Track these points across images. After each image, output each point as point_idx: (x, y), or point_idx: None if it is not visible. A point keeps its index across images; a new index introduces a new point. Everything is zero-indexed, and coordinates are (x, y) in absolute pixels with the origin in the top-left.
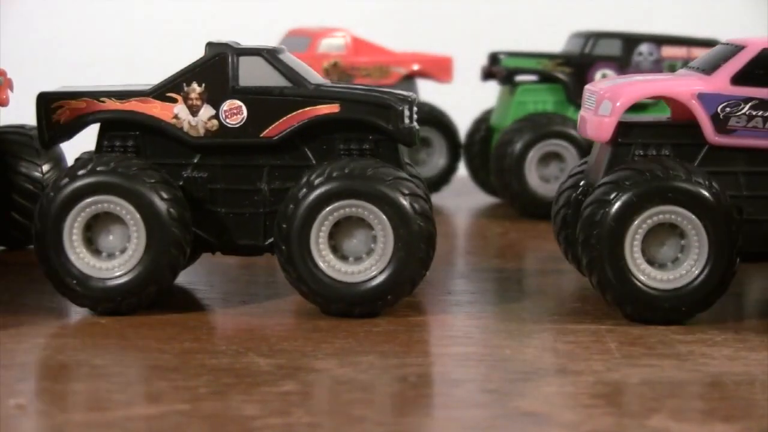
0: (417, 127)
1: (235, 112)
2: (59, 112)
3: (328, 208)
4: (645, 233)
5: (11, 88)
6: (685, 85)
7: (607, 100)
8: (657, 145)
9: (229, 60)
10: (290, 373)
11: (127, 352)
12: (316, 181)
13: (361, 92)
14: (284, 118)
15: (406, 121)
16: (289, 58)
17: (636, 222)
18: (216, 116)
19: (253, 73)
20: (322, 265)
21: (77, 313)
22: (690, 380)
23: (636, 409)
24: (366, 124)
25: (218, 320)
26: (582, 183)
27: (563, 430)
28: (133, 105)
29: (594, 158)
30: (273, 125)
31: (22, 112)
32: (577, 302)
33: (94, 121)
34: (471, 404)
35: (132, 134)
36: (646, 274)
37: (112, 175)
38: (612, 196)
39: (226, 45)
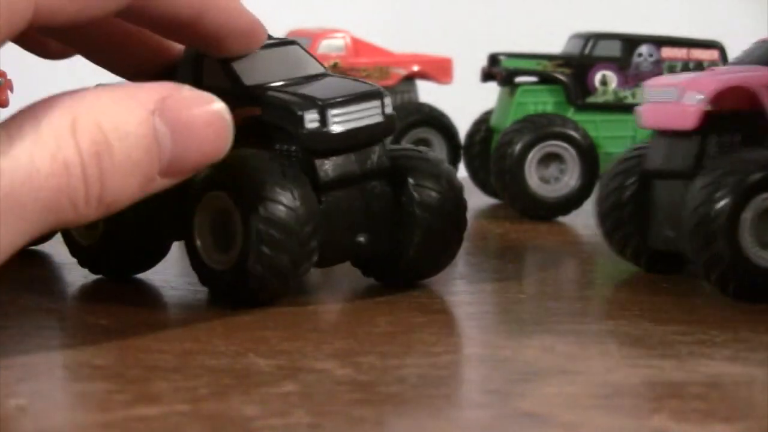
0: (333, 130)
1: None
2: None
3: (202, 200)
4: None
5: (11, 90)
6: (758, 77)
7: (692, 91)
8: (731, 132)
9: (196, 61)
10: (290, 373)
11: (128, 353)
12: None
13: (281, 95)
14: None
15: (309, 125)
16: (250, 57)
17: (751, 203)
18: None
19: (212, 73)
20: (199, 250)
21: (78, 314)
22: (690, 381)
23: (636, 409)
24: (281, 128)
25: (218, 321)
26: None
27: (563, 431)
28: None
29: (656, 148)
30: None
31: None
32: (577, 303)
33: None
34: (471, 405)
35: None
36: (755, 254)
37: None
38: (730, 180)
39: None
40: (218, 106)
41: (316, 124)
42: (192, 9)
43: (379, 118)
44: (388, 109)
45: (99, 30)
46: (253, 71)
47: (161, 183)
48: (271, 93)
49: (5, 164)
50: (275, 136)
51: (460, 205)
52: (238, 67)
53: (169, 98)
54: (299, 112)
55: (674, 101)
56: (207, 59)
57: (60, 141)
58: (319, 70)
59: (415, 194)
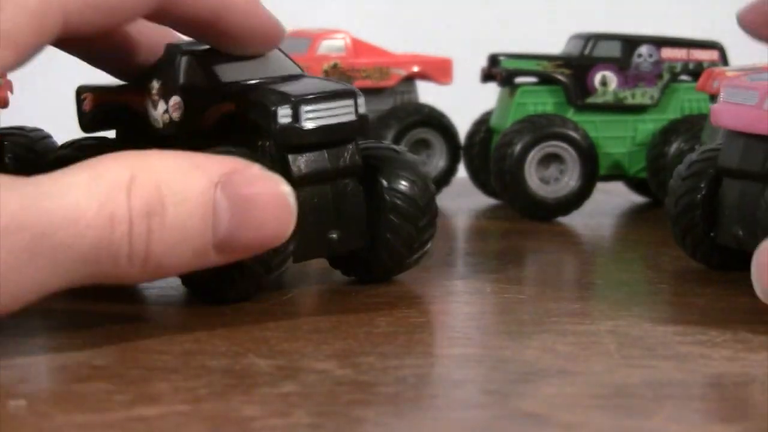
0: (305, 126)
1: (176, 108)
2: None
3: None
4: None
5: (11, 90)
6: None
7: None
8: None
9: (176, 59)
10: (290, 374)
11: (128, 353)
12: None
13: (255, 92)
14: (204, 114)
15: (282, 120)
16: (227, 56)
17: None
18: (166, 111)
19: (192, 72)
20: None
21: (77, 314)
22: (689, 381)
23: (636, 410)
24: (255, 122)
25: (218, 321)
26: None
27: (563, 431)
28: (124, 97)
29: (731, 147)
30: (198, 121)
31: (21, 114)
32: (577, 303)
33: (102, 110)
34: (471, 405)
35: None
36: None
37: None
38: None
39: (176, 46)
40: (284, 188)
41: (288, 120)
42: (211, 10)
43: (351, 117)
44: (362, 109)
45: (105, 36)
46: (230, 70)
47: (215, 259)
48: (245, 89)
49: (49, 205)
50: (250, 132)
51: (429, 194)
52: (216, 65)
53: (235, 173)
54: (272, 108)
55: (755, 105)
56: (185, 57)
57: (112, 194)
58: (296, 71)
59: (386, 197)
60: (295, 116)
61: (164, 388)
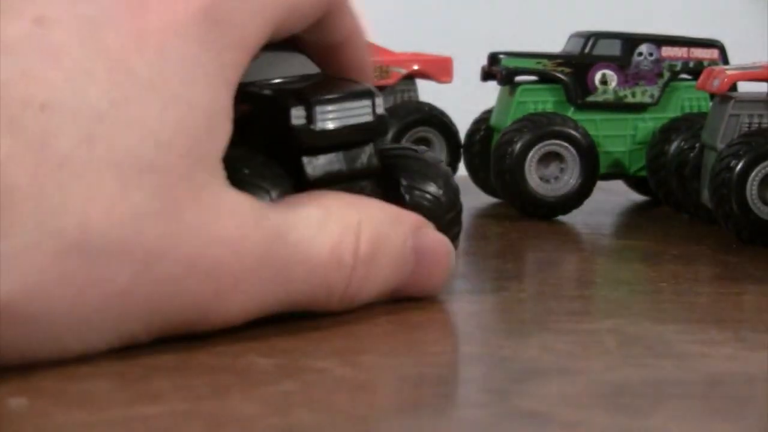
0: (320, 127)
1: None
2: None
3: None
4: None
5: None
6: None
7: None
8: None
9: None
10: (291, 372)
11: (128, 351)
12: None
13: (270, 92)
14: None
15: (296, 121)
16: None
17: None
18: None
19: None
20: None
21: None
22: (690, 380)
23: (636, 408)
24: (270, 124)
25: None
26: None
27: (563, 430)
28: None
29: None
30: None
31: None
32: (577, 302)
33: None
34: (471, 404)
35: None
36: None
37: None
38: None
39: None
40: (452, 248)
41: (302, 120)
42: (342, 36)
43: (369, 118)
44: (380, 110)
45: None
46: (249, 70)
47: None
48: (260, 89)
49: (293, 237)
50: (265, 132)
51: (451, 190)
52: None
53: (421, 228)
54: (285, 108)
55: None
56: None
57: (344, 236)
58: (315, 70)
59: (407, 196)
60: (310, 117)
61: (164, 387)
